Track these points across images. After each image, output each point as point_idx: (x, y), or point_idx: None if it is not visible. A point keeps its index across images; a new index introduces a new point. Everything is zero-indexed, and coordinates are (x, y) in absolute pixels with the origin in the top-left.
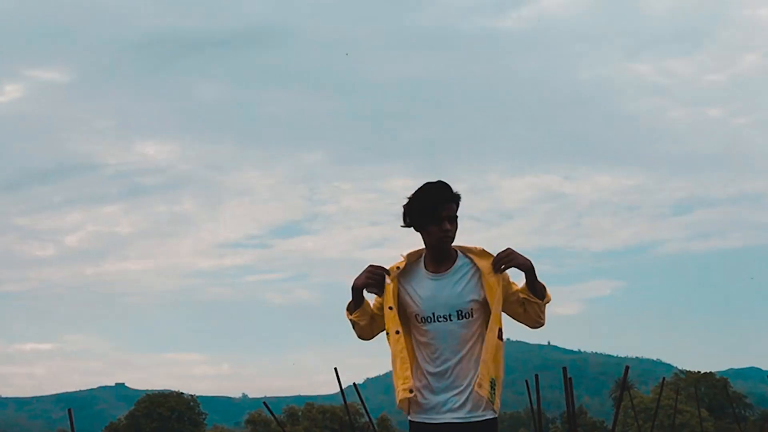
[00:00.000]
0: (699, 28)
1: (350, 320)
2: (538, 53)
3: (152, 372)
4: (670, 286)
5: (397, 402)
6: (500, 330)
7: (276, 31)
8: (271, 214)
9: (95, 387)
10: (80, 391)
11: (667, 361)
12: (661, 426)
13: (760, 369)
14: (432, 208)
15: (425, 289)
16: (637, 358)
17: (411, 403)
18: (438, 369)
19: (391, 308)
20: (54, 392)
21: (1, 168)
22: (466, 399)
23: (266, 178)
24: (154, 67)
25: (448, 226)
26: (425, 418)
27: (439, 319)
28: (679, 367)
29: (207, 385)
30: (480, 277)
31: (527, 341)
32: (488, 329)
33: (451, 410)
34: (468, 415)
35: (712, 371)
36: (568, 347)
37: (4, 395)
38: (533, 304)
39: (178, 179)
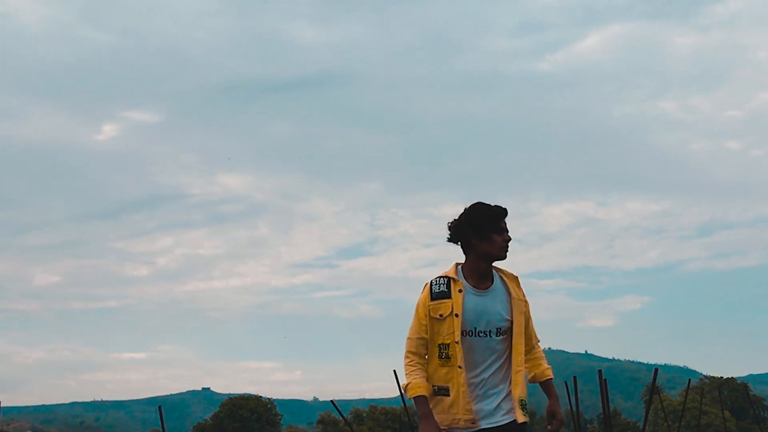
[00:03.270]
0: (719, 68)
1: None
2: (573, 93)
3: (234, 378)
4: (695, 301)
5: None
6: (525, 352)
7: (339, 75)
8: (337, 237)
9: (184, 391)
10: (171, 395)
11: (693, 368)
12: (688, 426)
13: None
14: (497, 218)
15: (469, 304)
16: (665, 364)
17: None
18: (472, 380)
19: (458, 315)
20: (148, 396)
21: (100, 199)
22: (498, 406)
23: (332, 205)
24: (233, 109)
25: (509, 237)
26: (484, 423)
27: (480, 335)
28: (704, 373)
29: (282, 389)
30: (510, 300)
31: (566, 350)
32: (514, 351)
33: (484, 417)
34: (502, 418)
35: (734, 376)
36: (603, 356)
37: (104, 399)
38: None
39: (255, 207)
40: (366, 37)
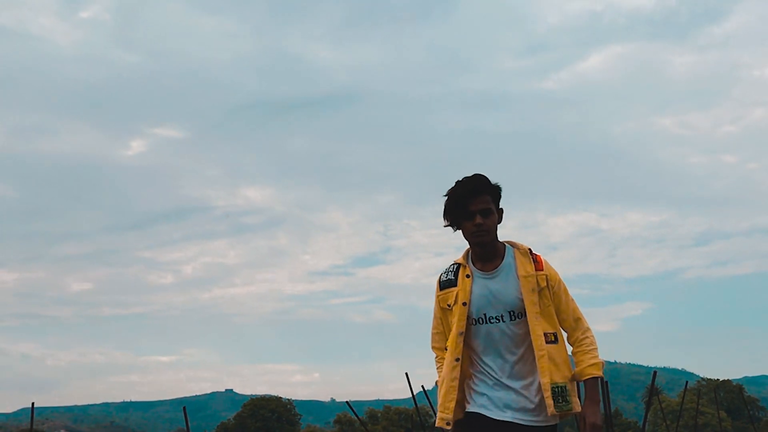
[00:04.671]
0: (715, 86)
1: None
2: (577, 110)
3: (256, 379)
4: (693, 307)
5: (437, 421)
6: (551, 334)
7: (355, 94)
8: (353, 247)
9: (208, 392)
10: (196, 396)
11: (691, 370)
12: (686, 426)
13: None
14: (462, 203)
15: (477, 289)
16: (664, 367)
17: (466, 396)
18: (493, 367)
19: (465, 304)
20: (174, 397)
21: (129, 211)
22: (525, 401)
23: (348, 216)
24: (255, 125)
25: (480, 220)
26: (485, 411)
27: (492, 321)
28: (701, 375)
29: (301, 390)
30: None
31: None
32: (532, 334)
33: (511, 408)
34: (527, 418)
35: (730, 378)
36: (605, 359)
37: (133, 399)
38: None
39: (275, 218)
40: (380, 58)
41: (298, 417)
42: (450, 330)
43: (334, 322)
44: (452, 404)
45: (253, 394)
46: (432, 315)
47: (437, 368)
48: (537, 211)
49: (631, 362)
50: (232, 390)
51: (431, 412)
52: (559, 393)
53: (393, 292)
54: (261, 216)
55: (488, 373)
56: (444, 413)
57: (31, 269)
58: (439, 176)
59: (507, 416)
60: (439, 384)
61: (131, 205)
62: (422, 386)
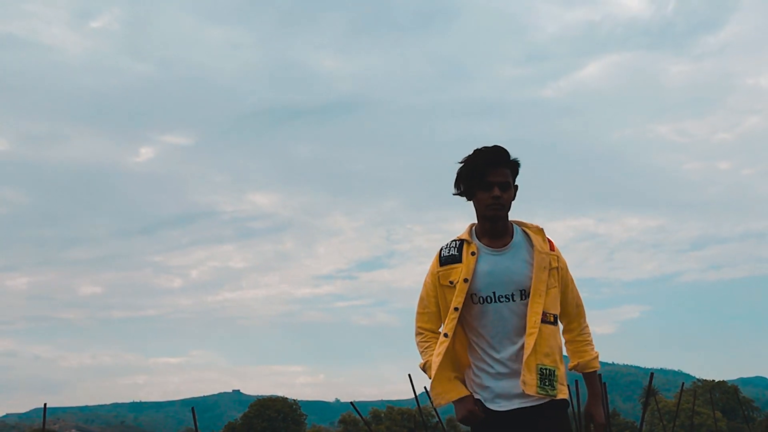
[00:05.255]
0: (710, 94)
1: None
2: (575, 117)
3: (262, 380)
4: (689, 309)
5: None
6: (551, 314)
7: (359, 102)
8: (357, 251)
9: (216, 393)
10: (204, 396)
11: (687, 372)
12: (682, 426)
13: (765, 378)
14: (480, 173)
15: (484, 266)
16: (661, 369)
17: (467, 387)
18: (501, 354)
19: (466, 280)
20: (182, 397)
21: (138, 216)
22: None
23: (352, 221)
24: (261, 132)
25: (498, 193)
26: (492, 405)
27: (501, 299)
28: (697, 377)
29: (306, 391)
30: (534, 254)
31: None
32: (529, 311)
33: (519, 397)
34: (532, 399)
35: (725, 379)
36: (603, 360)
37: (143, 400)
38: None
39: (281, 223)
40: (384, 66)
41: (304, 417)
42: (444, 310)
43: (339, 325)
44: (450, 382)
45: (260, 394)
46: (421, 293)
47: (424, 351)
48: (535, 216)
49: (629, 363)
50: (239, 391)
51: (433, 412)
52: (546, 376)
53: (396, 295)
54: (267, 221)
55: (494, 359)
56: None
57: (43, 273)
58: (441, 182)
59: (514, 405)
60: (427, 366)
61: (140, 211)
62: (425, 387)
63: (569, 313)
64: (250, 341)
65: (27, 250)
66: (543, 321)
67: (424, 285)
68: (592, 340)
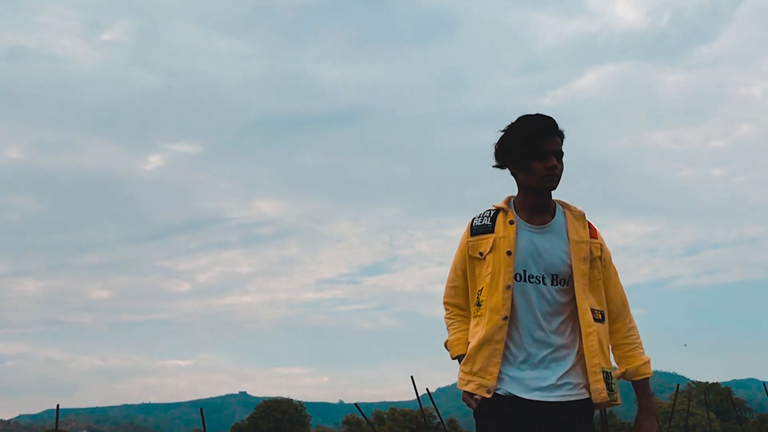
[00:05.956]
0: (704, 104)
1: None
2: (573, 126)
3: (268, 382)
4: (684, 313)
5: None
6: (598, 311)
7: (362, 111)
8: (360, 256)
9: (223, 395)
10: (211, 398)
11: (681, 374)
12: (677, 427)
13: (757, 379)
14: (535, 141)
15: (521, 241)
16: (656, 371)
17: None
18: (526, 339)
19: (510, 253)
20: (190, 399)
21: (148, 222)
22: (562, 378)
23: (355, 227)
24: (267, 141)
25: (554, 162)
26: (515, 391)
27: (531, 280)
28: (691, 378)
29: (311, 392)
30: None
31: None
32: (579, 307)
33: (539, 389)
34: (568, 393)
35: (719, 381)
36: None
37: (152, 401)
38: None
39: (286, 229)
40: (386, 76)
41: (309, 418)
42: (475, 284)
43: (343, 328)
44: (496, 369)
45: (266, 396)
46: (451, 266)
47: (450, 327)
48: None
49: None
50: (245, 392)
51: (435, 414)
52: (607, 379)
53: (398, 299)
54: (273, 227)
55: (516, 344)
56: (484, 379)
57: (54, 278)
58: (442, 189)
59: (535, 396)
60: (449, 346)
61: (149, 217)
62: (426, 389)
63: (612, 310)
64: (257, 344)
65: (39, 256)
66: (594, 319)
67: (455, 256)
68: (641, 342)
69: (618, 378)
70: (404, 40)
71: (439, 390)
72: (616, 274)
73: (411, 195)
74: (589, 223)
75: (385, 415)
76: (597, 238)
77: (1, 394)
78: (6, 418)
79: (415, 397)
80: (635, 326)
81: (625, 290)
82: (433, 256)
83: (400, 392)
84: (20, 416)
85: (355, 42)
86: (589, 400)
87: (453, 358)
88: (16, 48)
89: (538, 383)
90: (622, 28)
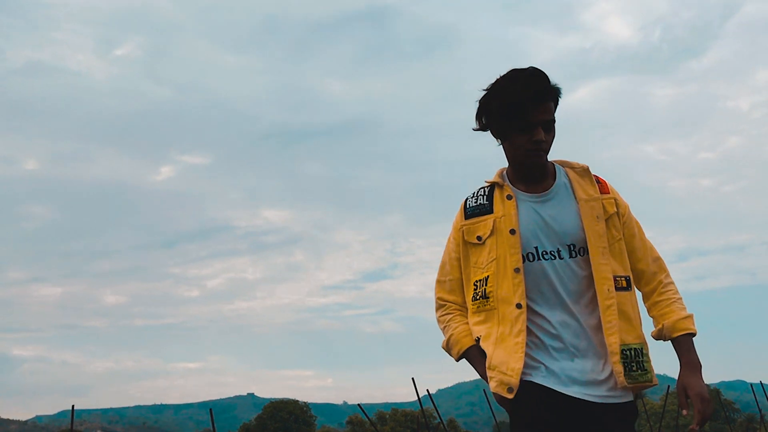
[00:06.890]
0: (693, 116)
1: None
2: (567, 138)
3: (275, 384)
4: None
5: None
6: (622, 278)
7: (365, 123)
8: (363, 263)
9: (232, 396)
10: (220, 399)
11: (672, 376)
12: (668, 426)
13: (745, 381)
14: (518, 110)
15: (524, 215)
16: None
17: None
18: (547, 325)
19: (513, 232)
20: (200, 400)
21: (160, 231)
22: (595, 370)
23: (359, 235)
24: (273, 152)
25: (541, 136)
26: (546, 382)
27: (545, 256)
28: None
29: (316, 394)
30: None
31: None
32: (595, 276)
33: (577, 382)
34: (599, 393)
35: (708, 383)
36: None
37: (163, 402)
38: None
39: (292, 237)
40: (388, 90)
41: (314, 419)
42: (470, 275)
43: (346, 332)
44: (519, 365)
45: (273, 397)
46: (441, 259)
47: (448, 324)
48: None
49: None
50: (253, 394)
51: (435, 414)
52: (633, 358)
53: (400, 304)
54: (279, 235)
55: (544, 330)
56: (505, 375)
57: (71, 284)
58: (442, 198)
59: (573, 392)
60: (451, 342)
61: (161, 226)
62: (427, 390)
63: (643, 270)
64: (264, 347)
65: (56, 263)
66: (617, 287)
67: (446, 246)
68: (680, 298)
69: (656, 338)
70: (406, 55)
71: (440, 391)
72: (640, 228)
73: (412, 204)
74: (596, 177)
75: (387, 416)
76: (609, 193)
77: (18, 395)
78: (24, 418)
79: (416, 398)
80: (672, 282)
81: (654, 246)
82: (433, 262)
83: (402, 393)
84: (38, 417)
85: (359, 57)
86: (632, 403)
87: (457, 358)
88: (33, 63)
89: (572, 375)
90: (615, 44)
